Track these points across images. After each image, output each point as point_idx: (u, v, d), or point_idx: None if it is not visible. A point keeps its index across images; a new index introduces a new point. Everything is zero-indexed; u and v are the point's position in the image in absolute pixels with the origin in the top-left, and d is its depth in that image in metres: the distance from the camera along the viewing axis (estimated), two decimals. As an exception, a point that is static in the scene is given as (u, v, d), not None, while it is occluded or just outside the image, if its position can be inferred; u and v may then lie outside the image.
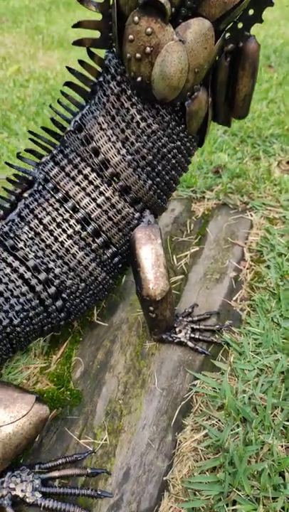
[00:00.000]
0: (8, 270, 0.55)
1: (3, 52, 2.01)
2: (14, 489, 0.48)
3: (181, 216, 0.95)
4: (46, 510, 0.48)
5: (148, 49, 0.49)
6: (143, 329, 0.70)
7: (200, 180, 1.03)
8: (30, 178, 0.59)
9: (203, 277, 0.79)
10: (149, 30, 0.48)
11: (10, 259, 0.56)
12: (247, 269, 0.80)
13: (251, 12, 0.54)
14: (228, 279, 0.78)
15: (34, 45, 2.15)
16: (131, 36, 0.49)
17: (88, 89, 0.58)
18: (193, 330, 0.67)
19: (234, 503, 0.48)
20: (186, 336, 0.66)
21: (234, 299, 0.74)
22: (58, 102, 0.60)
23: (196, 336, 0.66)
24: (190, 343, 0.66)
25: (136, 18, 0.48)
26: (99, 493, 0.49)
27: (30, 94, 1.55)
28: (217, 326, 0.68)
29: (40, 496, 0.48)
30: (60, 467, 0.51)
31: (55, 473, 0.50)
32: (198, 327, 0.67)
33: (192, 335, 0.66)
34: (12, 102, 1.47)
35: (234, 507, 0.47)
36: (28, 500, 0.48)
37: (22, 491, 0.48)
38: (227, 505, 0.47)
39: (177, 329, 0.66)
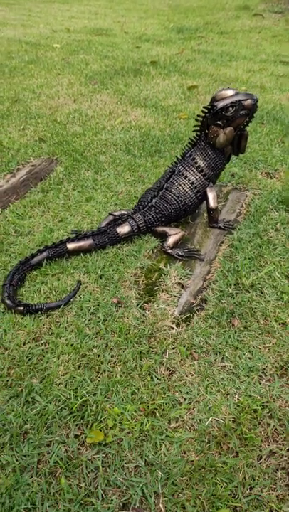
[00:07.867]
0: (170, 197, 1.87)
1: (107, 110, 3.40)
2: (176, 251, 1.78)
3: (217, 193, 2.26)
4: (184, 257, 1.78)
5: (215, 134, 1.82)
6: (206, 224, 2.00)
7: (225, 178, 2.35)
8: (172, 171, 1.92)
9: (228, 211, 2.10)
10: (216, 130, 1.81)
11: (170, 194, 1.87)
12: (244, 209, 2.10)
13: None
14: (237, 211, 2.09)
15: (123, 104, 3.54)
16: (211, 131, 1.82)
17: (192, 143, 1.91)
18: (224, 224, 1.98)
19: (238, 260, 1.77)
20: (223, 225, 1.97)
21: (239, 217, 2.04)
22: (184, 149, 1.93)
23: (227, 225, 1.97)
24: (223, 227, 1.96)
25: (212, 127, 1.81)
26: (201, 254, 1.79)
27: (133, 136, 2.90)
28: (233, 223, 1.98)
29: (183, 253, 1.78)
30: (186, 248, 1.81)
31: (187, 249, 1.80)
32: (227, 223, 1.98)
33: (225, 225, 1.97)
34: (128, 141, 2.82)
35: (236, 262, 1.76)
36: (180, 254, 1.78)
37: (178, 252, 1.78)
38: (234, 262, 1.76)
39: (219, 222, 1.97)
